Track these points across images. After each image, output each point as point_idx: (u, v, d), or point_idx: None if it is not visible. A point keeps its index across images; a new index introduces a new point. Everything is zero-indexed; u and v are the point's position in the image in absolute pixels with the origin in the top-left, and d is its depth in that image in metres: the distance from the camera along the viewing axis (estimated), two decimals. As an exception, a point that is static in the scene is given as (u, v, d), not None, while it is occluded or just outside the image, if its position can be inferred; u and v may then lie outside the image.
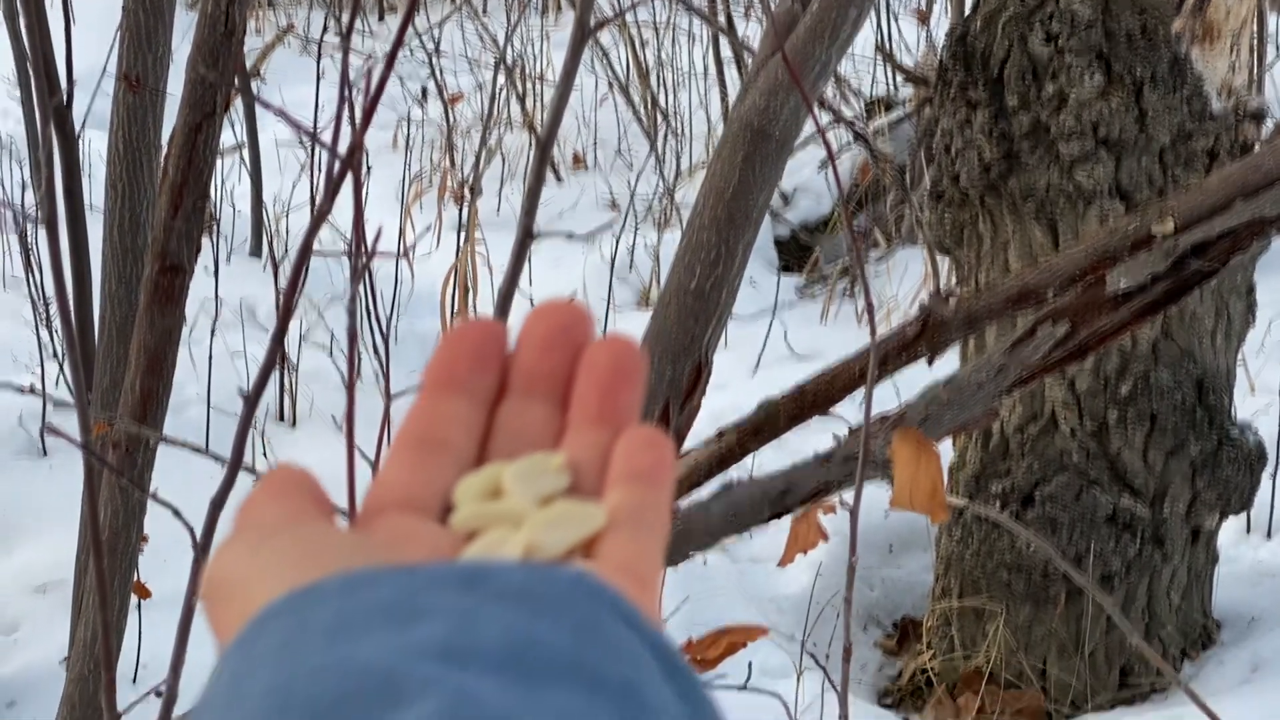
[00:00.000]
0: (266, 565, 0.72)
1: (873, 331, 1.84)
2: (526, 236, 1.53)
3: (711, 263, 2.05)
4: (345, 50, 1.34)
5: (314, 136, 1.39)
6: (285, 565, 0.72)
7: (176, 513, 1.64)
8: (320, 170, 7.01)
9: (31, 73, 4.11)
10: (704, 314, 2.06)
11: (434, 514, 0.79)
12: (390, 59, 1.32)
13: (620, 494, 0.79)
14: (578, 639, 0.66)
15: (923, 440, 1.94)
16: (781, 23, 2.02)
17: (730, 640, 2.16)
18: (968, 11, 4.75)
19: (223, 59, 2.84)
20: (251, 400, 1.47)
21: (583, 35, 1.49)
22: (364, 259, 1.34)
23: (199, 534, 1.50)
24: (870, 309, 1.79)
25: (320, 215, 1.40)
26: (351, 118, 1.53)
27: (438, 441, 0.82)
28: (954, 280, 4.88)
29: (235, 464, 1.49)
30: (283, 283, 6.69)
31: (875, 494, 2.42)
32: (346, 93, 1.45)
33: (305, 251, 1.44)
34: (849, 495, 1.89)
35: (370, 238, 1.35)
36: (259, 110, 7.34)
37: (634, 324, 7.13)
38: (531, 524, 0.77)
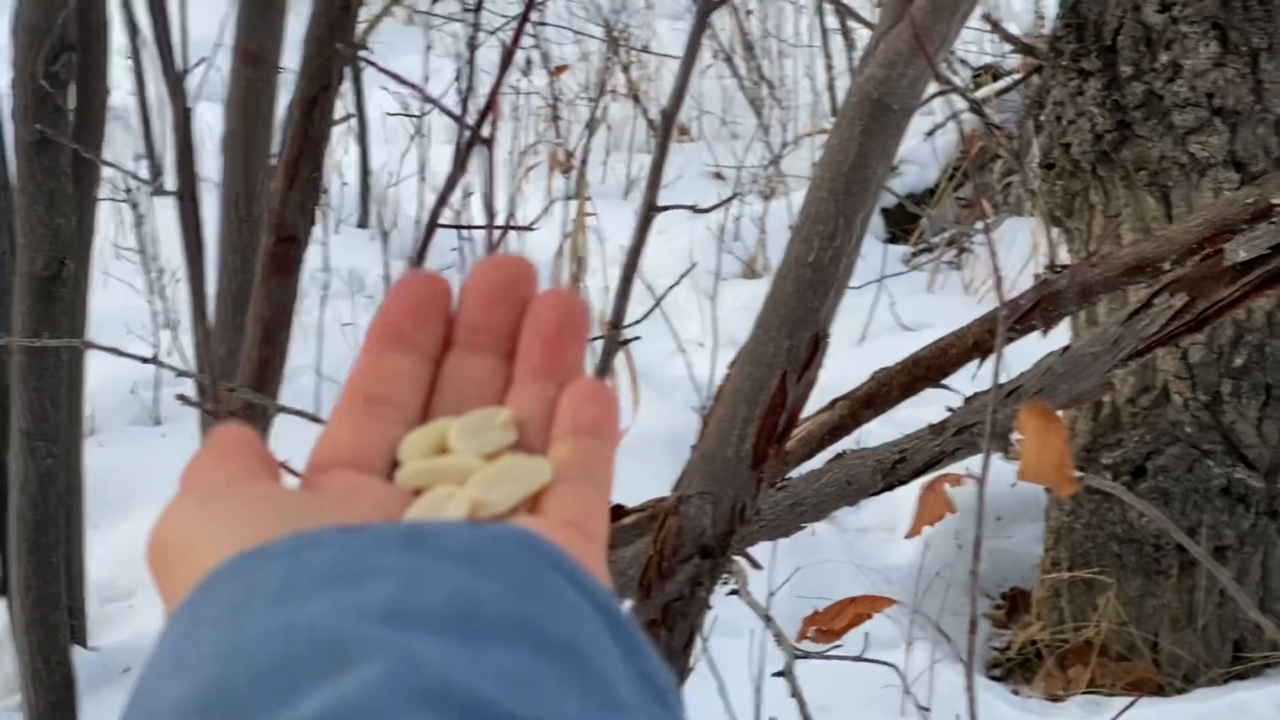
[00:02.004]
0: (213, 527, 0.72)
1: (999, 297, 1.83)
2: (650, 209, 1.54)
3: (829, 235, 2.04)
4: (475, 25, 1.35)
5: (452, 113, 1.40)
6: (232, 526, 0.72)
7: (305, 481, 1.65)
8: (428, 140, 7.05)
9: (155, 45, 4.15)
10: (821, 286, 2.06)
11: (380, 471, 0.79)
12: (520, 27, 1.33)
13: (565, 448, 0.79)
14: (521, 598, 0.66)
15: (1050, 412, 1.93)
16: (902, -6, 2.01)
17: (857, 611, 2.17)
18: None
19: (339, 31, 2.86)
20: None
21: (707, 7, 1.49)
22: (497, 230, 1.35)
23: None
24: (998, 277, 1.78)
25: (450, 184, 1.41)
26: (467, 89, 1.54)
27: (382, 397, 0.82)
28: (1065, 251, 4.85)
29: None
30: (391, 254, 6.74)
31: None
32: (469, 63, 1.46)
33: (433, 223, 1.45)
34: (974, 467, 1.88)
35: (501, 210, 1.36)
36: (365, 81, 7.38)
37: (740, 293, 7.13)
38: (476, 480, 0.77)
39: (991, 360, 2.68)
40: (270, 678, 0.61)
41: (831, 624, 2.19)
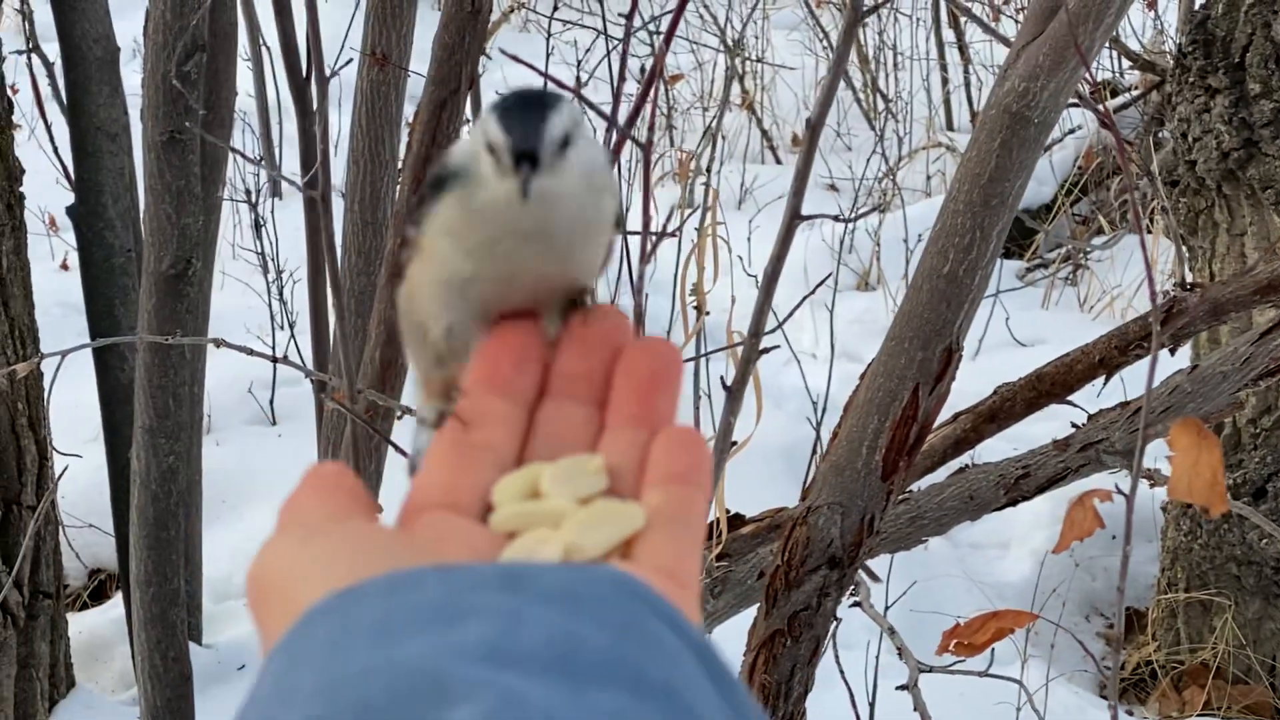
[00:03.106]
0: (311, 564, 0.74)
1: (1154, 308, 1.81)
2: (794, 218, 1.54)
3: (965, 247, 2.04)
4: (627, 31, 1.36)
5: (605, 115, 1.41)
6: (330, 564, 0.73)
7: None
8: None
9: (281, 49, 4.19)
10: (956, 298, 2.05)
11: (474, 513, 0.81)
12: (670, 30, 1.33)
13: (658, 495, 0.80)
14: (620, 640, 0.67)
15: (1203, 430, 1.91)
16: (1044, 6, 2.00)
17: (999, 626, 2.16)
18: (1205, -4, 4.67)
19: (468, 37, 2.88)
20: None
21: (856, 18, 1.49)
22: (652, 238, 1.36)
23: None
24: (1151, 287, 1.76)
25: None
26: (618, 90, 1.55)
27: (479, 441, 0.84)
28: (1188, 269, 4.81)
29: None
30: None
31: (1103, 483, 2.40)
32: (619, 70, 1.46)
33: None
34: (1124, 483, 1.87)
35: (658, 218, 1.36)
36: (482, 86, 7.40)
37: (854, 305, 7.12)
38: (570, 524, 0.79)
39: (1114, 379, 2.66)
40: (373, 715, 0.62)
41: (973, 638, 2.17)
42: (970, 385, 3.77)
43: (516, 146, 0.87)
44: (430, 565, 0.71)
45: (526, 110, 0.89)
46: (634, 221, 1.60)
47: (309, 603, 0.70)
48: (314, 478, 0.82)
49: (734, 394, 1.73)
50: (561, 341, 0.88)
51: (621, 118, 1.51)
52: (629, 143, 1.41)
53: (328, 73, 2.04)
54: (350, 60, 3.09)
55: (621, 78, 1.43)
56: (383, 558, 0.73)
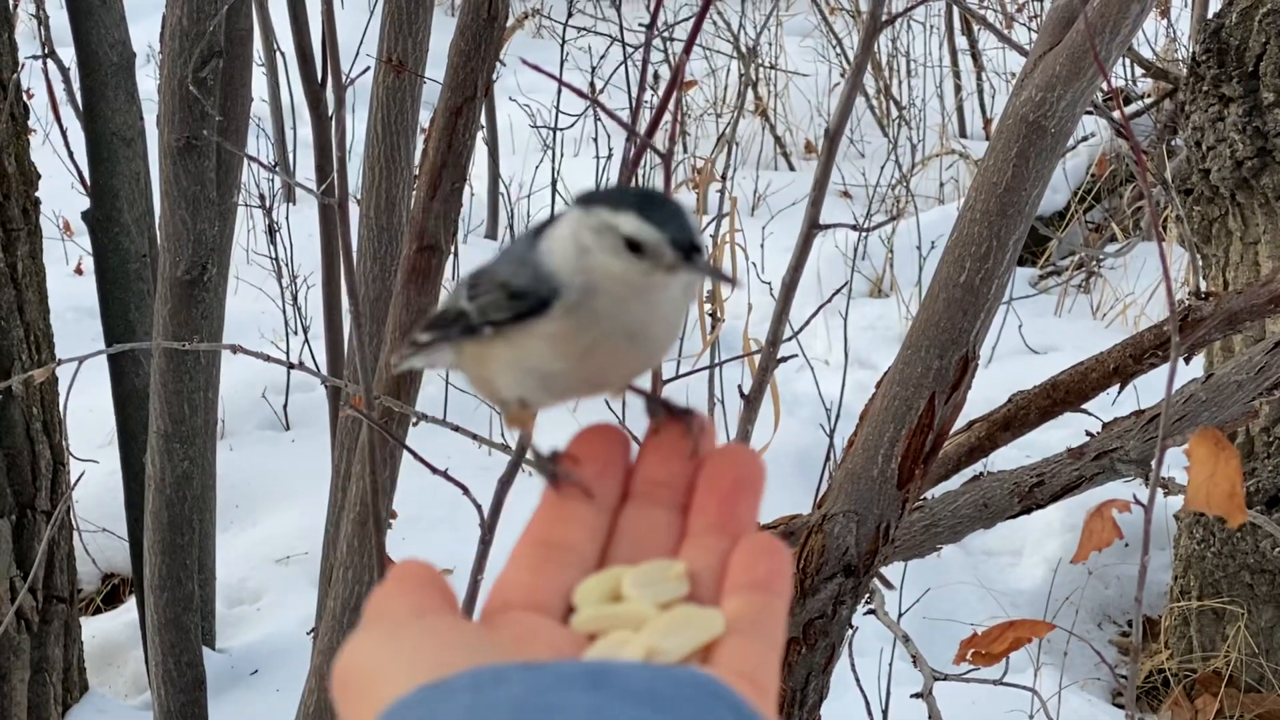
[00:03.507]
0: (397, 658, 0.75)
1: (1172, 316, 1.81)
2: (813, 227, 1.54)
3: (981, 257, 2.04)
4: (648, 38, 1.36)
5: (625, 123, 1.41)
6: (415, 658, 0.75)
7: (465, 490, 1.67)
8: (560, 154, 7.07)
9: (297, 56, 4.20)
10: (972, 307, 2.06)
11: (555, 614, 0.83)
12: (692, 35, 1.34)
13: (739, 601, 0.82)
14: None
15: (1221, 440, 1.91)
16: (1061, 16, 2.00)
17: (1016, 635, 2.16)
18: (1219, 5, 4.67)
19: (484, 44, 2.88)
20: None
21: (875, 28, 1.49)
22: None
23: (486, 513, 1.53)
24: (1170, 296, 1.76)
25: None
26: (638, 98, 1.55)
27: (562, 543, 0.86)
28: (1201, 277, 4.81)
29: (521, 450, 1.51)
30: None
31: (1117, 492, 2.40)
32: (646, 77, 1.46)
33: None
34: (1142, 494, 1.87)
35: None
36: (496, 92, 7.42)
37: (867, 312, 7.11)
38: (652, 627, 0.80)
39: (1127, 387, 2.67)
40: None
41: (990, 648, 2.17)
42: (983, 393, 3.77)
43: (681, 241, 0.89)
44: (515, 662, 0.72)
45: (658, 206, 0.90)
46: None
47: (395, 696, 0.72)
48: (399, 574, 0.83)
49: (751, 402, 1.73)
50: (645, 446, 0.90)
51: (641, 125, 1.51)
52: (648, 151, 1.42)
53: (344, 80, 2.04)
54: (367, 68, 3.09)
55: (642, 87, 1.43)
56: (468, 653, 0.75)
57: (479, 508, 1.61)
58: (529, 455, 0.96)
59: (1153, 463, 1.94)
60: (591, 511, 0.87)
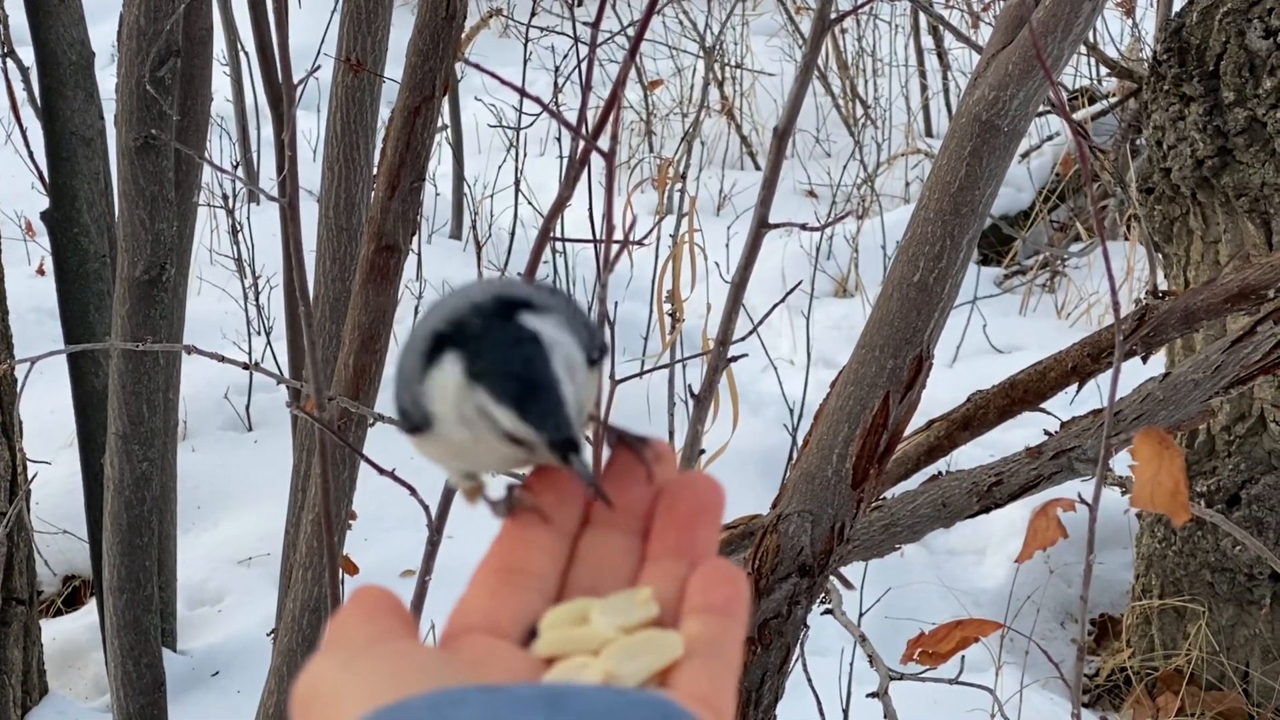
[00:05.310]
0: (356, 680, 0.76)
1: (1116, 318, 1.81)
2: (762, 226, 1.53)
3: (935, 256, 2.04)
4: (593, 37, 1.35)
5: (570, 125, 1.40)
6: (374, 681, 0.75)
7: (413, 491, 1.66)
8: (524, 154, 7.06)
9: (256, 53, 4.18)
10: (926, 306, 2.06)
11: (515, 638, 0.83)
12: (639, 36, 1.33)
13: (697, 624, 0.82)
14: None
15: (1166, 439, 1.92)
16: (1014, 15, 2.00)
17: (963, 634, 2.16)
18: (1180, 4, 4.67)
19: (442, 43, 2.87)
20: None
21: (823, 27, 1.49)
22: (613, 247, 1.35)
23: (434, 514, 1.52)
24: (1115, 299, 1.76)
25: (560, 203, 1.41)
26: (584, 100, 1.54)
27: (521, 568, 0.86)
28: (1162, 276, 4.82)
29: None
30: (485, 265, 6.75)
31: (1084, 491, 2.40)
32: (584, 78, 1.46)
33: (543, 237, 1.46)
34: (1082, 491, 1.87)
35: (621, 225, 1.35)
36: (461, 91, 7.41)
37: (832, 312, 7.12)
38: (610, 651, 0.80)
39: (1089, 385, 2.67)
40: None
41: (938, 647, 2.17)
42: (947, 393, 3.78)
43: (558, 441, 0.87)
44: (474, 685, 0.73)
45: (541, 395, 0.87)
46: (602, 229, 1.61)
47: (354, 718, 0.72)
48: (358, 598, 0.84)
49: (701, 401, 1.73)
50: (605, 473, 0.91)
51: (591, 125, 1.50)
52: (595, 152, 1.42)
53: (295, 79, 2.03)
54: (319, 66, 3.08)
55: (587, 86, 1.43)
56: (426, 676, 0.75)
57: (426, 509, 1.61)
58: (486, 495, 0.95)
59: (1103, 462, 1.95)
60: (551, 537, 0.87)
